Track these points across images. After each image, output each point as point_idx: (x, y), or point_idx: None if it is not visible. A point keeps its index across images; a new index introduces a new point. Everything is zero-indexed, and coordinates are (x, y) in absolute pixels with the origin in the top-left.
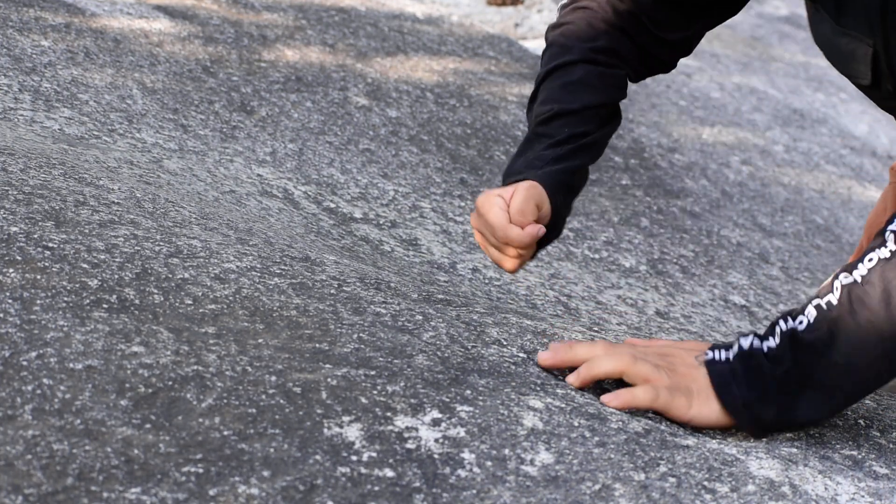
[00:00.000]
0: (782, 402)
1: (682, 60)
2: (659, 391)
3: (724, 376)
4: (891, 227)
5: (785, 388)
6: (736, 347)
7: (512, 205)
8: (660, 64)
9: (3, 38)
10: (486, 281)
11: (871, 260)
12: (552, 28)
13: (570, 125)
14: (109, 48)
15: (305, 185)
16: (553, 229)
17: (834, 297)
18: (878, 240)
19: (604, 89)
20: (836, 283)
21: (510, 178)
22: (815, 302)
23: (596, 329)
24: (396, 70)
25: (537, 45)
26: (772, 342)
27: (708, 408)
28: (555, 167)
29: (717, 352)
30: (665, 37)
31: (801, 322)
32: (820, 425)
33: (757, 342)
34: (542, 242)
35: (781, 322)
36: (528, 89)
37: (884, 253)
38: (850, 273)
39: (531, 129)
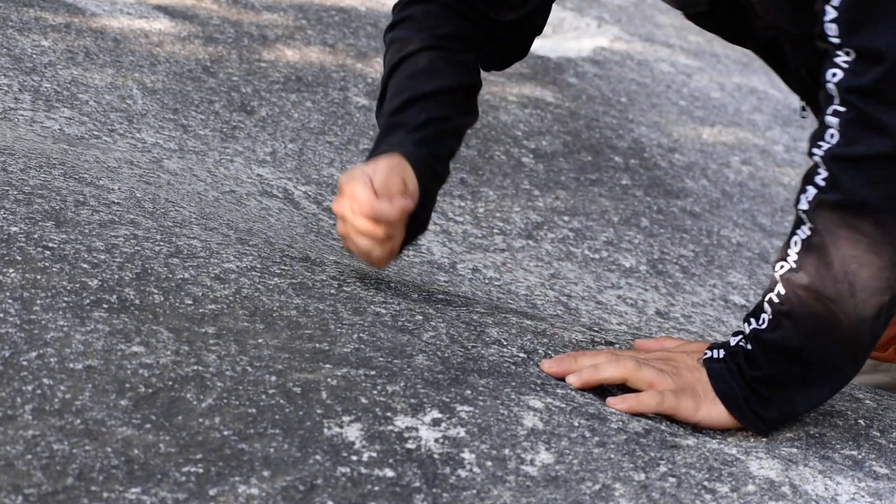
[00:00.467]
0: (777, 402)
1: (682, 60)
2: (664, 395)
3: (722, 374)
4: (800, 207)
5: (772, 388)
6: (727, 346)
7: (375, 179)
8: (510, 49)
9: (4, 38)
10: (486, 281)
11: (796, 244)
12: (389, 29)
13: (427, 110)
14: (109, 48)
15: (305, 185)
16: (419, 219)
17: (781, 289)
18: (796, 219)
19: (454, 74)
20: (776, 276)
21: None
22: (767, 297)
23: (596, 329)
24: None
25: (537, 45)
26: (749, 345)
27: (716, 410)
28: (419, 148)
29: (714, 350)
30: (502, 18)
31: (762, 322)
32: (827, 404)
33: (743, 342)
34: (408, 236)
35: (745, 325)
36: (528, 89)
37: (804, 233)
38: (786, 260)
39: (385, 121)
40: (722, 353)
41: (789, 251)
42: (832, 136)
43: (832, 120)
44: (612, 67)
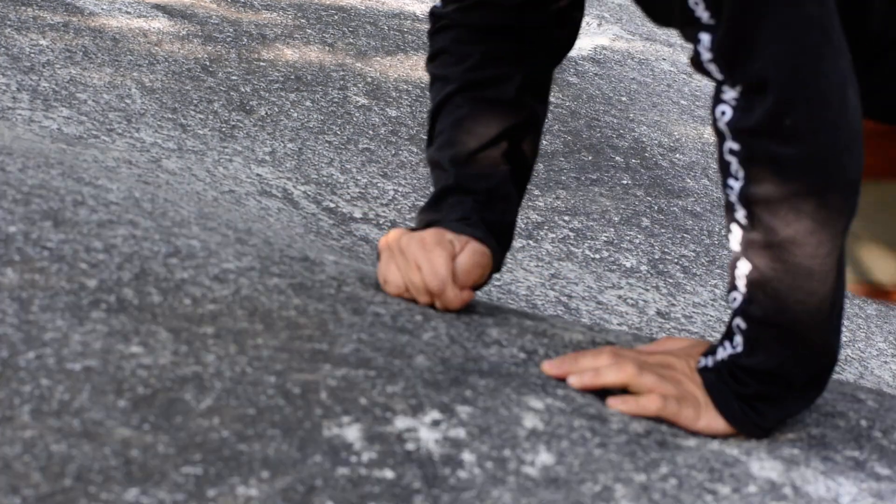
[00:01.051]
0: (772, 412)
1: (683, 59)
2: (667, 401)
3: (716, 385)
4: (731, 247)
5: (763, 401)
6: (715, 356)
7: (460, 262)
8: (545, 38)
9: (2, 37)
10: None
11: (741, 278)
12: (429, 61)
13: (485, 178)
14: (108, 47)
15: (305, 184)
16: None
17: (743, 318)
18: (734, 254)
19: (496, 119)
20: (733, 307)
21: (453, 223)
22: (735, 323)
23: (596, 329)
24: (396, 69)
25: None
26: (732, 365)
27: (716, 421)
28: (498, 241)
29: (706, 358)
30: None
31: (736, 345)
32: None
33: (726, 358)
34: None
35: (721, 348)
36: None
37: (745, 268)
38: (737, 291)
39: (450, 177)
40: (711, 361)
41: (737, 283)
42: (737, 172)
43: (731, 158)
44: (613, 67)
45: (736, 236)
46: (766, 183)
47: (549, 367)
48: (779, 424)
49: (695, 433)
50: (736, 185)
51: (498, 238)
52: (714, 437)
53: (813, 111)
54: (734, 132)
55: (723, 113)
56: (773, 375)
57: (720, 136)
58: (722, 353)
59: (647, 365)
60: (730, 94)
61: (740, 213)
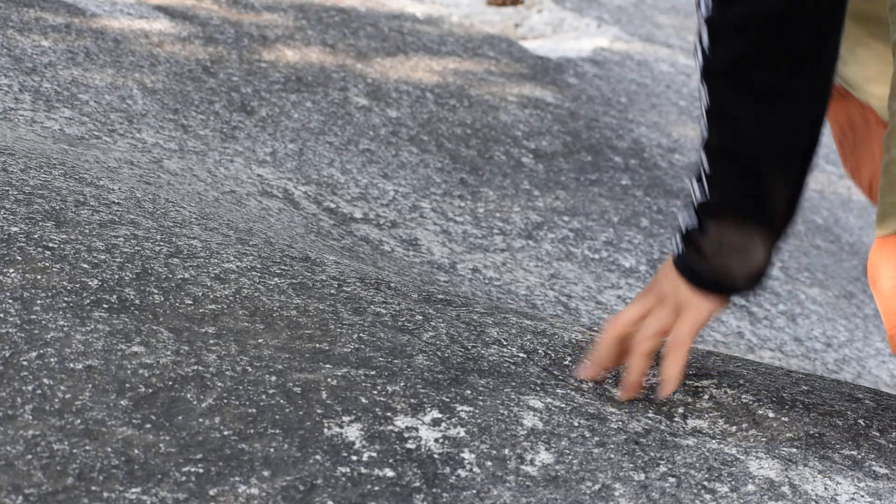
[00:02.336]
0: (737, 265)
1: (682, 60)
2: (676, 336)
3: (684, 260)
4: (698, 76)
5: (732, 253)
6: (680, 229)
7: None
8: None
9: (4, 39)
10: (486, 281)
11: (703, 116)
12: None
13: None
14: (110, 48)
15: (305, 185)
16: None
17: (704, 158)
18: (698, 88)
19: None
20: (700, 150)
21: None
22: (697, 172)
23: (596, 329)
24: (396, 70)
25: (537, 46)
26: (690, 212)
27: (698, 303)
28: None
29: (676, 239)
30: None
31: (696, 196)
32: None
33: (695, 209)
34: None
35: (685, 214)
36: (528, 89)
37: (705, 102)
38: (703, 130)
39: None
40: (678, 238)
41: (702, 121)
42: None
43: None
44: (612, 68)
45: (699, 63)
46: (730, 8)
47: (583, 371)
48: (751, 286)
49: (685, 331)
50: (704, 9)
51: None
52: (701, 321)
53: None
54: None
55: None
56: (735, 210)
57: None
58: (685, 218)
59: (650, 334)
60: None
61: (705, 41)
